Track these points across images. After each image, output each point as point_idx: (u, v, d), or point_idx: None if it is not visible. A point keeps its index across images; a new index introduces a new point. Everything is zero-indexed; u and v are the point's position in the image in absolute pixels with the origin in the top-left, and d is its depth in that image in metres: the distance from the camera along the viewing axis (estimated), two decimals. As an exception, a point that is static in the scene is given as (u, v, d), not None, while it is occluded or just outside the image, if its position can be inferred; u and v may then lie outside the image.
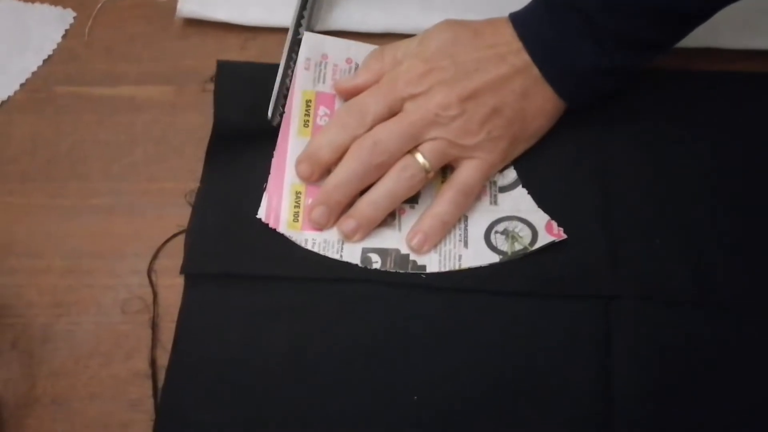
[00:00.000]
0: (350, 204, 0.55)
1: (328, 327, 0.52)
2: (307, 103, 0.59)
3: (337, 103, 0.59)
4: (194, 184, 0.57)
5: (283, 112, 0.58)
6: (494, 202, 0.57)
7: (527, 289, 0.53)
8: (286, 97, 0.58)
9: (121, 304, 0.53)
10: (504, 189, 0.58)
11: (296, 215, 0.56)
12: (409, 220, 0.56)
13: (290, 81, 0.59)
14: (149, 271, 0.54)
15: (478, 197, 0.57)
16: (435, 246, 0.55)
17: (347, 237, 0.55)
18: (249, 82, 0.60)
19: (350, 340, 0.51)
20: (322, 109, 0.59)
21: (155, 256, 0.55)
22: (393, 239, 0.56)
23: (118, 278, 0.54)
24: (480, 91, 0.54)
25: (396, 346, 0.51)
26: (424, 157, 0.54)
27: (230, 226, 0.55)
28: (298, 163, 0.56)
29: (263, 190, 0.56)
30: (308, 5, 0.61)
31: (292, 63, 0.59)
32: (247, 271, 0.54)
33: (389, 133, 0.53)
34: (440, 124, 0.54)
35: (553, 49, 0.54)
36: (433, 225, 0.55)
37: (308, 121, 0.59)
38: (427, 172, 0.54)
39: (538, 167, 0.57)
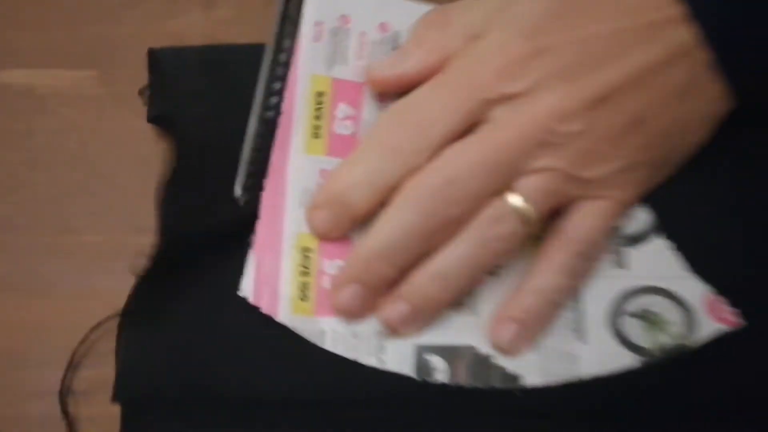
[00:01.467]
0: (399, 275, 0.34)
1: None
2: (319, 96, 0.36)
3: (367, 98, 0.37)
4: (137, 238, 0.35)
5: (275, 119, 0.36)
6: (620, 262, 0.36)
7: (695, 416, 0.32)
8: (278, 93, 0.36)
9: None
10: (634, 240, 0.36)
11: (304, 289, 0.34)
12: (491, 296, 0.35)
13: (287, 58, 0.36)
14: (62, 393, 0.32)
15: (595, 256, 0.36)
16: (535, 338, 0.34)
17: (394, 329, 0.34)
18: (206, 80, 0.38)
19: None
20: (342, 108, 0.36)
21: (72, 364, 0.33)
22: (465, 330, 0.35)
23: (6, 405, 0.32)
24: (617, 90, 0.32)
25: None
26: (526, 200, 0.32)
27: (196, 311, 0.34)
28: (314, 208, 0.34)
29: (247, 245, 0.34)
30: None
31: (287, 30, 0.36)
32: (224, 390, 0.33)
33: (470, 163, 0.32)
34: (553, 146, 0.32)
35: (743, 15, 0.32)
36: (534, 307, 0.34)
37: (320, 128, 0.36)
38: (528, 225, 0.33)
39: (682, 202, 0.36)
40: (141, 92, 0.38)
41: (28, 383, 0.33)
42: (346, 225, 0.34)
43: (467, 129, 0.33)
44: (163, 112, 0.37)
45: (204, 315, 0.34)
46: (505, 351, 0.34)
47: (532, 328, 0.34)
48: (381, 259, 0.32)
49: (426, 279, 0.33)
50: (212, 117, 0.37)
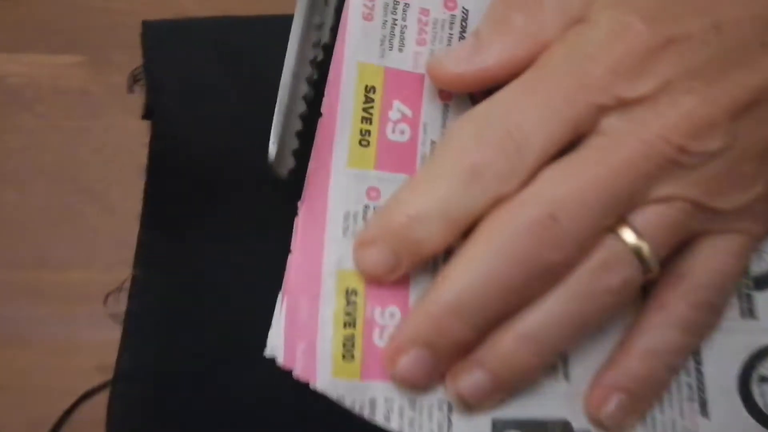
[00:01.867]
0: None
1: None
2: (368, 92, 0.28)
3: (428, 96, 0.29)
4: (125, 272, 0.27)
5: (302, 134, 0.27)
6: (749, 310, 0.28)
7: None
8: (313, 100, 0.27)
9: None
10: (764, 283, 0.29)
11: (349, 345, 0.26)
12: (587, 356, 0.27)
13: (323, 39, 0.28)
14: None
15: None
16: (647, 412, 0.27)
17: (468, 403, 0.26)
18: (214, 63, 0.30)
19: None
20: (397, 108, 0.28)
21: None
22: (555, 399, 0.27)
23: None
24: (766, 94, 0.24)
25: None
26: (643, 238, 0.24)
27: (203, 376, 0.27)
28: (365, 243, 0.26)
29: (278, 292, 0.26)
30: None
31: (320, 8, 0.28)
32: None
33: (579, 192, 0.24)
34: (683, 168, 0.24)
35: None
36: (646, 373, 0.26)
37: (369, 133, 0.28)
38: (647, 271, 0.25)
39: None
40: (134, 77, 0.30)
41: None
42: (407, 267, 0.26)
43: (569, 144, 0.25)
44: (160, 103, 0.29)
45: (209, 371, 0.26)
46: (610, 429, 0.26)
47: (643, 400, 0.26)
48: (456, 316, 0.24)
49: (513, 342, 0.25)
50: (220, 105, 0.29)
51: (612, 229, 0.24)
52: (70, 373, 0.26)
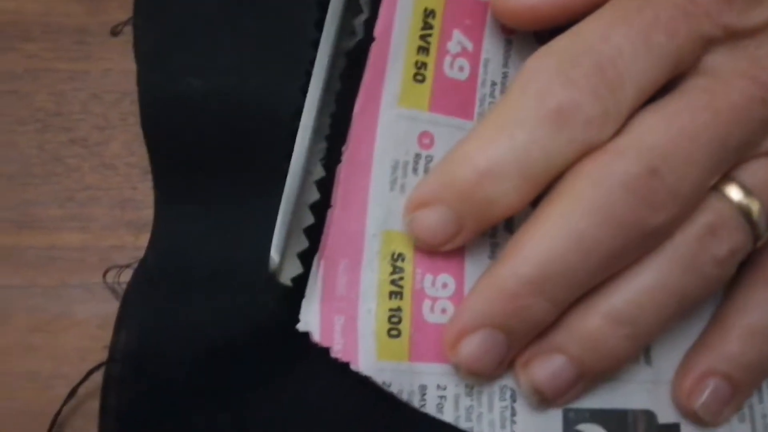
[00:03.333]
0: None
1: None
2: (427, 16, 0.24)
3: (490, 27, 0.24)
4: (124, 238, 0.23)
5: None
6: None
7: None
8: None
9: None
10: None
11: (395, 319, 0.22)
12: (673, 339, 0.23)
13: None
14: None
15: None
16: (745, 402, 0.23)
17: (544, 398, 0.22)
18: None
19: None
20: (457, 39, 0.24)
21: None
22: (638, 388, 0.23)
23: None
24: None
25: None
26: (752, 196, 0.20)
27: (218, 352, 0.22)
28: (420, 203, 0.22)
29: (311, 254, 0.22)
30: None
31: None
32: None
33: (687, 141, 0.20)
34: None
35: None
36: (748, 356, 0.22)
37: (425, 66, 0.24)
38: (757, 236, 0.21)
39: None
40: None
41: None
42: (470, 235, 0.22)
43: (668, 81, 0.21)
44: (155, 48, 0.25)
45: (237, 351, 0.22)
46: (704, 420, 0.22)
47: (744, 389, 0.22)
48: (538, 292, 0.20)
49: (601, 323, 0.21)
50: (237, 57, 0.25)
51: (716, 188, 0.21)
52: (60, 354, 0.22)
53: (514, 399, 0.22)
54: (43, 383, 0.22)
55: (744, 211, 0.20)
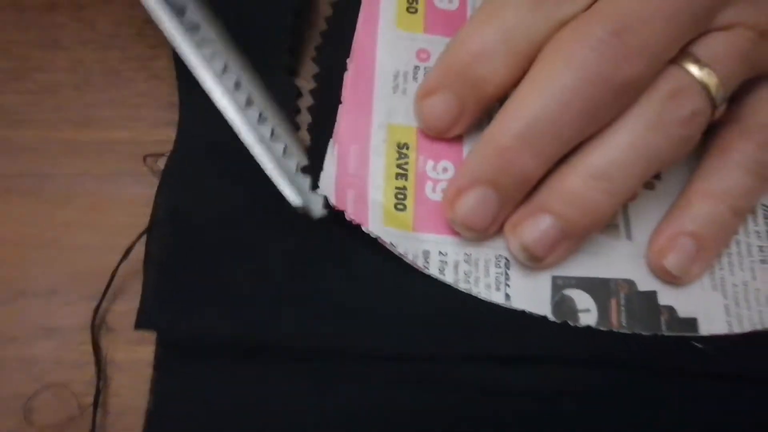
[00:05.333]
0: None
1: None
2: None
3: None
4: (168, 133, 0.27)
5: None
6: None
7: None
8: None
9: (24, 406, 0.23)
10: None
11: (400, 196, 0.25)
12: (649, 215, 0.26)
13: None
14: (94, 329, 0.24)
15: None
16: (712, 263, 0.25)
17: (534, 257, 0.24)
18: None
19: None
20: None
21: (106, 296, 0.25)
22: (619, 259, 0.25)
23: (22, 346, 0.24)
24: None
25: None
26: (712, 70, 0.23)
27: (243, 220, 0.25)
28: (427, 93, 0.25)
29: (327, 137, 0.26)
30: None
31: None
32: (276, 336, 0.24)
33: (645, 10, 0.23)
34: None
35: None
36: (714, 218, 0.25)
37: (417, 0, 0.28)
38: (714, 105, 0.24)
39: None
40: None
41: (34, 314, 0.24)
42: (472, 114, 0.25)
43: None
44: None
45: (261, 221, 0.25)
46: (675, 276, 0.25)
47: (710, 245, 0.25)
48: (523, 146, 0.23)
49: (581, 181, 0.23)
50: None
51: (676, 62, 0.23)
52: (113, 229, 0.26)
53: (508, 267, 0.25)
54: (99, 252, 0.25)
55: (702, 81, 0.23)
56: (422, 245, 0.25)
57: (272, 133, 0.26)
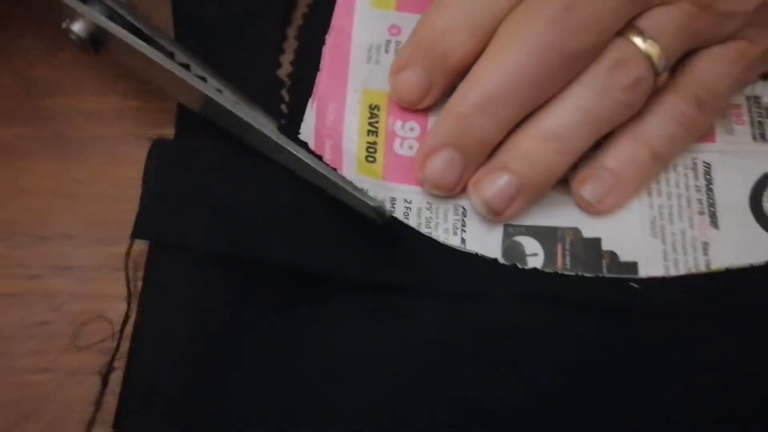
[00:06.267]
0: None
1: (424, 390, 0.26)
2: None
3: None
4: (170, 104, 0.30)
5: None
6: (761, 135, 0.29)
7: None
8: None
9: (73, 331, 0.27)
10: (779, 111, 0.30)
11: (371, 150, 0.28)
12: (597, 169, 0.29)
13: None
14: (128, 264, 0.28)
15: (726, 124, 0.29)
16: (628, 198, 0.28)
17: (493, 211, 0.27)
18: None
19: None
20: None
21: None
22: (566, 210, 0.28)
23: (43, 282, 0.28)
24: None
25: None
26: (655, 41, 0.26)
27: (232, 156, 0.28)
28: (399, 68, 0.28)
29: (306, 97, 0.29)
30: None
31: None
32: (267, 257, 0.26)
33: None
34: None
35: None
36: (635, 158, 0.27)
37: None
38: (657, 73, 0.26)
39: None
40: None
41: (54, 255, 0.28)
42: (440, 87, 0.28)
43: None
44: None
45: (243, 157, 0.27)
46: (589, 206, 0.28)
47: (626, 182, 0.27)
48: (483, 112, 0.26)
49: (535, 141, 0.26)
50: None
51: (622, 34, 0.26)
52: (121, 183, 0.29)
53: (465, 215, 0.28)
54: (111, 201, 0.29)
55: (645, 52, 0.26)
56: (390, 192, 0.28)
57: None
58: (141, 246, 0.28)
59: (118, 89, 0.31)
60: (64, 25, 0.27)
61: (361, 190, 0.26)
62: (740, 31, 0.27)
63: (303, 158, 0.26)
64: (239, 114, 0.26)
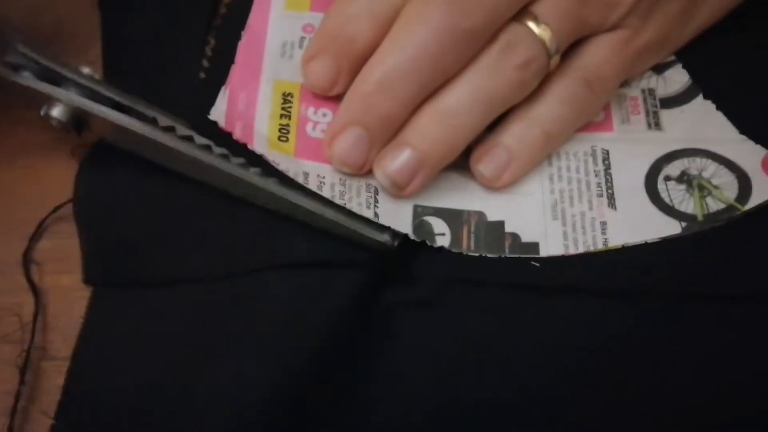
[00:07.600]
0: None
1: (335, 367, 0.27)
2: None
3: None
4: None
5: None
6: (655, 124, 0.31)
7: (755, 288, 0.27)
8: None
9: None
10: (670, 102, 0.31)
11: (284, 131, 0.29)
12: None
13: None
14: (26, 262, 0.28)
15: (623, 114, 0.31)
16: (523, 174, 0.29)
17: (397, 185, 0.28)
18: None
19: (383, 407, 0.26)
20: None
21: (36, 234, 0.29)
22: (471, 194, 0.29)
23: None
24: None
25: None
26: (547, 25, 0.27)
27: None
28: (309, 59, 0.29)
29: (219, 86, 0.30)
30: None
31: None
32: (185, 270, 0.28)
33: None
34: None
35: None
36: (527, 136, 0.29)
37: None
38: (549, 55, 0.28)
39: (726, 61, 0.32)
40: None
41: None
42: (349, 70, 0.28)
43: None
44: None
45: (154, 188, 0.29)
46: (486, 181, 0.29)
47: (522, 160, 0.29)
48: (384, 90, 0.27)
49: (432, 119, 0.27)
50: None
51: (519, 18, 0.27)
52: (45, 186, 0.30)
53: (377, 192, 0.28)
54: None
55: (537, 34, 0.27)
56: (302, 167, 0.28)
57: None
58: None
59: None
60: (42, 112, 0.27)
61: (368, 227, 0.27)
62: (624, 20, 0.28)
63: (312, 209, 0.27)
64: (234, 173, 0.27)
